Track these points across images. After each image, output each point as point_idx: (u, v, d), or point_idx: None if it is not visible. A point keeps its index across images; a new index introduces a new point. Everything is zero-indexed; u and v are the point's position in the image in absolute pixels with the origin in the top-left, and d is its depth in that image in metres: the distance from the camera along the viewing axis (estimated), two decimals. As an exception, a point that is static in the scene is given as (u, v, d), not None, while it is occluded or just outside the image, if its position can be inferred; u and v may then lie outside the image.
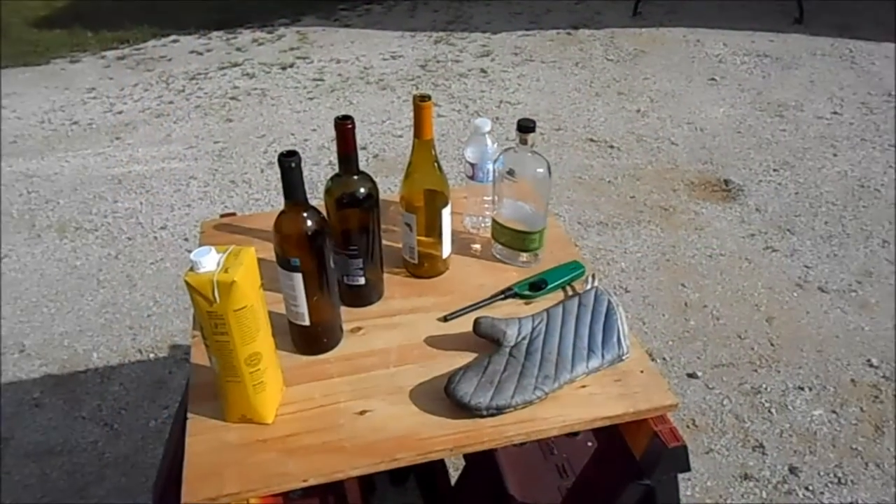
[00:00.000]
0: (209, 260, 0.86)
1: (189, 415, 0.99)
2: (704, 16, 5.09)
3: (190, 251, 2.80)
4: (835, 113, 3.75)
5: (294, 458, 0.93)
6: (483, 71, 4.36)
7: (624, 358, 1.06)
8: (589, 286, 1.17)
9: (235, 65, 4.57)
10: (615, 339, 1.06)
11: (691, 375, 2.22)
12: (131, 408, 2.17)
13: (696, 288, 2.58)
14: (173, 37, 5.10)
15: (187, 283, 0.86)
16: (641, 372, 1.06)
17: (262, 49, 4.82)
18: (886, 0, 5.23)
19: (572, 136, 3.60)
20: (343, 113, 1.03)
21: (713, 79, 4.17)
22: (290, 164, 0.93)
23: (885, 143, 3.46)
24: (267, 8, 5.54)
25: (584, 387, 1.03)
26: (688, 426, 2.05)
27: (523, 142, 1.16)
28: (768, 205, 3.03)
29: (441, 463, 1.73)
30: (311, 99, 4.05)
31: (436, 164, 1.15)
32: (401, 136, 3.55)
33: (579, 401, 1.01)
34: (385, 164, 3.29)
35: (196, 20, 5.33)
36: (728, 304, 2.50)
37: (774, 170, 3.28)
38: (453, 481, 1.78)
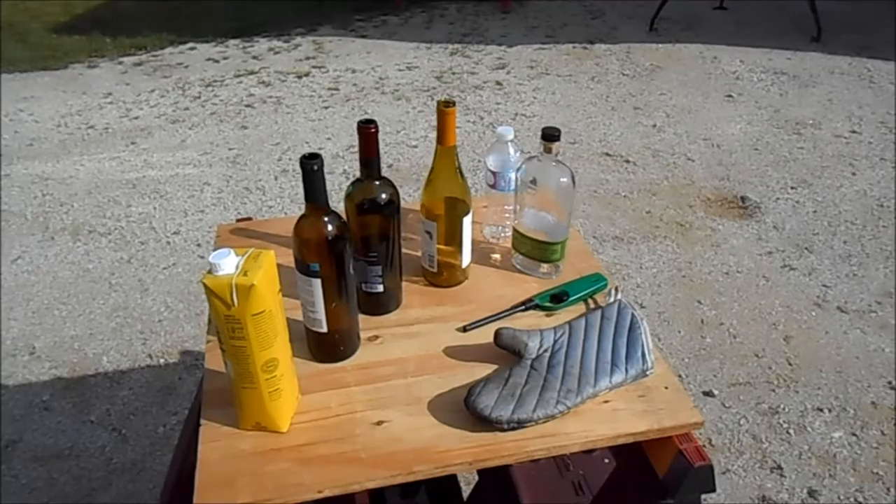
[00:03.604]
0: (228, 263, 0.84)
1: (202, 421, 0.97)
2: (721, 33, 5.07)
3: (203, 257, 2.80)
4: (853, 132, 3.72)
5: (309, 468, 0.90)
6: (499, 83, 4.35)
7: (648, 373, 1.04)
8: (612, 299, 1.15)
9: (251, 73, 4.58)
10: (639, 354, 1.04)
11: (707, 394, 2.19)
12: (140, 413, 2.15)
13: (712, 305, 2.54)
14: (191, 44, 5.13)
15: (205, 286, 0.84)
16: (666, 388, 1.03)
17: (278, 58, 4.84)
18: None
19: (588, 149, 3.58)
20: (358, 121, 1.01)
21: (730, 95, 4.14)
22: (312, 166, 0.91)
23: (904, 162, 3.43)
24: (284, 17, 5.58)
25: (606, 402, 1.00)
26: (704, 445, 2.01)
27: (547, 150, 1.14)
28: (786, 223, 3.00)
29: (453, 476, 1.70)
30: (325, 108, 4.05)
31: (458, 172, 1.13)
32: (415, 147, 3.54)
33: (602, 416, 0.98)
34: (399, 173, 3.28)
35: (213, 28, 5.37)
36: (745, 322, 2.46)
37: (792, 187, 3.24)
38: (465, 495, 1.75)
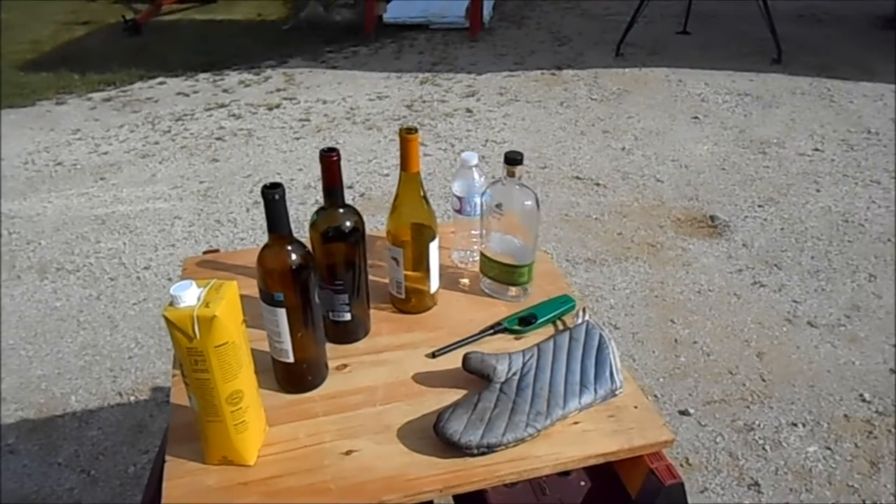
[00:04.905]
0: (189, 294, 0.83)
1: (167, 458, 0.95)
2: (685, 57, 5.18)
3: (173, 291, 2.77)
4: (816, 150, 3.80)
5: (277, 501, 0.89)
6: (469, 111, 4.39)
7: (617, 393, 1.04)
8: (580, 320, 1.15)
9: (222, 106, 4.58)
10: (608, 374, 1.04)
11: (683, 412, 2.19)
12: (110, 453, 2.10)
13: (685, 324, 2.56)
14: (160, 79, 5.12)
15: (166, 319, 0.83)
16: (635, 407, 1.03)
17: (248, 90, 4.85)
18: (860, 42, 5.38)
19: (558, 173, 3.62)
20: (320, 150, 1.01)
21: (696, 117, 4.22)
22: (273, 195, 0.91)
23: (866, 178, 3.50)
24: (254, 50, 5.59)
25: (576, 423, 1.00)
26: (681, 465, 2.01)
27: (511, 174, 1.15)
28: (755, 240, 3.04)
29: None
30: (297, 139, 4.06)
31: (423, 198, 1.14)
32: (387, 175, 3.55)
33: (572, 438, 0.98)
34: (371, 202, 3.28)
35: (183, 62, 5.37)
36: (718, 340, 2.48)
37: (759, 205, 3.30)
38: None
